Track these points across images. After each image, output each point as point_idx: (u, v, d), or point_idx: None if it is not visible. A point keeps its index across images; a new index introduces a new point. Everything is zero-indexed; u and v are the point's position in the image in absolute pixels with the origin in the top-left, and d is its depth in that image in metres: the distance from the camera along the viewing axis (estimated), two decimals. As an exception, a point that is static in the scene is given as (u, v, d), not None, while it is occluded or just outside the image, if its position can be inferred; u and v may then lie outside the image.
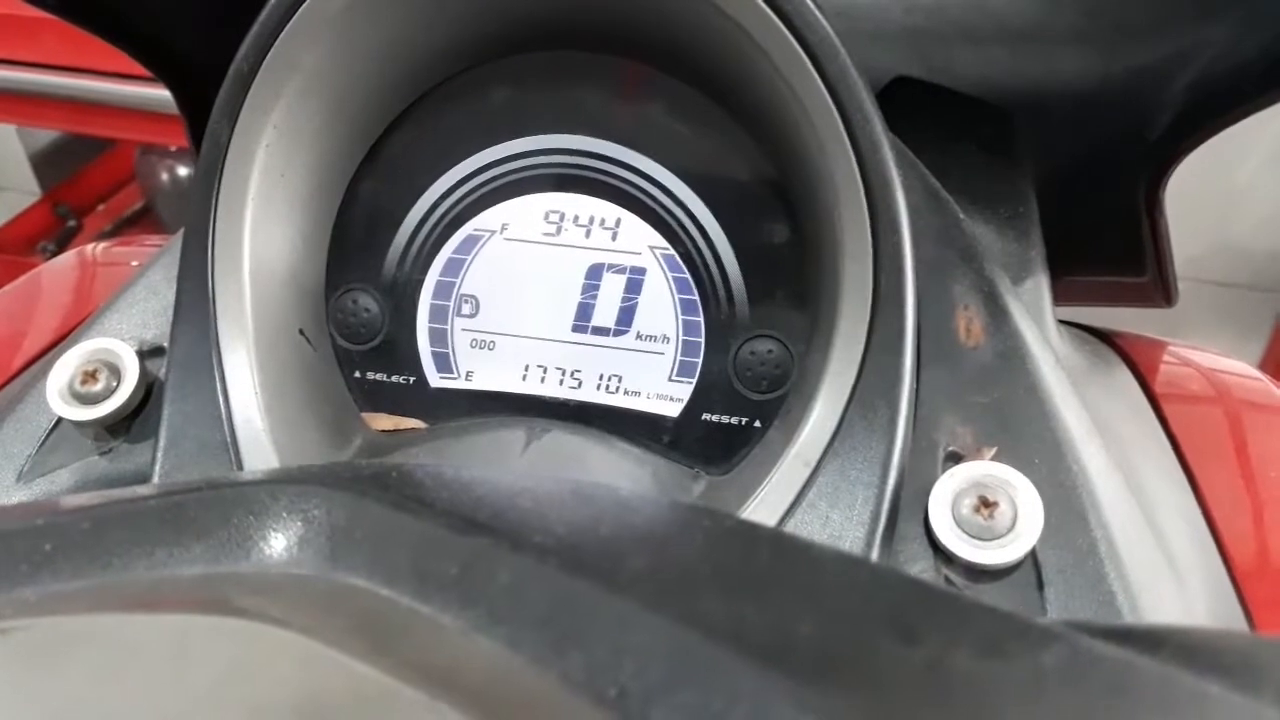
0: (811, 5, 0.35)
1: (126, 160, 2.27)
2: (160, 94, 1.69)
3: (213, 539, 0.23)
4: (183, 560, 0.23)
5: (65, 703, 0.18)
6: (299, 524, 0.23)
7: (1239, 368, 0.53)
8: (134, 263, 0.64)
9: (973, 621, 0.16)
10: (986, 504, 0.36)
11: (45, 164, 2.36)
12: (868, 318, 0.37)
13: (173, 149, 2.00)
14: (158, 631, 0.21)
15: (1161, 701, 0.14)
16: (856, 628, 0.16)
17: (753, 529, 0.22)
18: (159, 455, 0.39)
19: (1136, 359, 0.50)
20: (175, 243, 0.46)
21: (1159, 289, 0.53)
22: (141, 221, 2.25)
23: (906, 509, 0.37)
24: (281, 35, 0.38)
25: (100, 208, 2.32)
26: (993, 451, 0.38)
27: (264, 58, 0.38)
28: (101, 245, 0.75)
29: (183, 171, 2.02)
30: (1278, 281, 2.10)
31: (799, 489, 0.37)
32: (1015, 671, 0.15)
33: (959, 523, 0.36)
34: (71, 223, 2.26)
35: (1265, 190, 2.04)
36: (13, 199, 2.34)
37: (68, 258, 0.72)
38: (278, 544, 0.23)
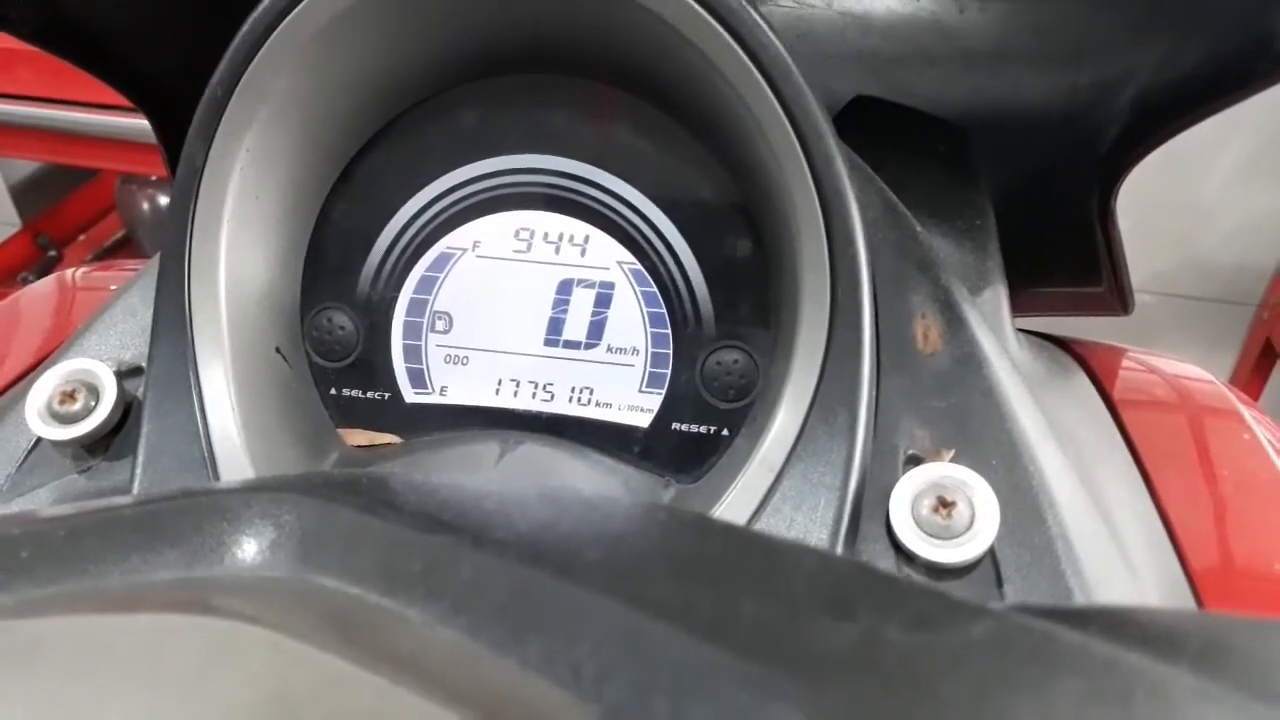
0: (766, 28, 0.37)
1: (106, 190, 2.27)
2: (139, 124, 1.70)
3: (187, 545, 0.24)
4: (157, 565, 0.24)
5: (41, 702, 0.19)
6: (270, 529, 0.24)
7: (1194, 372, 0.54)
8: (112, 286, 0.65)
9: (906, 599, 0.18)
10: (945, 504, 0.37)
11: (25, 195, 2.35)
12: (826, 327, 0.38)
13: (153, 178, 2.01)
14: (132, 631, 0.21)
15: (1079, 666, 0.15)
16: (796, 607, 0.17)
17: (708, 522, 0.23)
18: (138, 471, 0.40)
19: (1094, 365, 0.52)
20: (152, 266, 0.47)
21: (1116, 297, 0.54)
22: (122, 251, 2.26)
23: (868, 511, 0.38)
24: (254, 62, 0.39)
25: (81, 238, 2.32)
26: (951, 454, 0.39)
27: (237, 83, 0.39)
28: (80, 270, 0.75)
29: (163, 200, 2.02)
30: (1247, 294, 2.13)
31: (764, 493, 0.38)
32: (943, 642, 0.16)
33: (919, 523, 0.37)
34: (52, 253, 2.26)
35: (1232, 204, 2.07)
36: (-8, 230, 2.34)
37: (47, 283, 0.72)
38: (250, 548, 0.24)
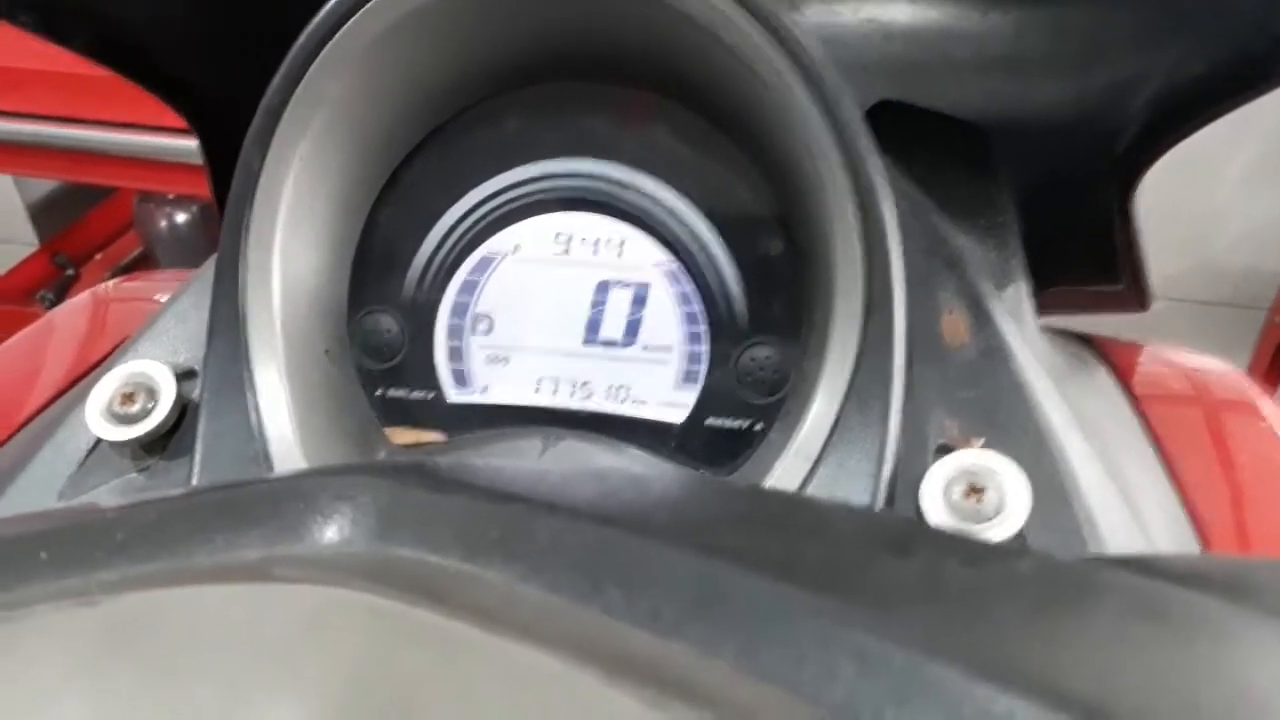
0: (803, 34, 0.38)
1: (123, 209, 2.30)
2: (157, 142, 1.72)
3: (268, 525, 0.26)
4: (240, 546, 0.25)
5: (155, 663, 0.20)
6: (347, 508, 0.26)
7: (1214, 365, 0.56)
8: (156, 296, 0.67)
9: (957, 543, 0.19)
10: (975, 489, 0.38)
11: (42, 215, 2.38)
12: (860, 321, 0.40)
13: (170, 196, 2.04)
14: (230, 598, 0.23)
15: (1118, 592, 0.16)
16: (857, 550, 0.19)
17: (761, 489, 0.25)
18: (196, 469, 0.42)
19: (1115, 359, 0.53)
20: (203, 273, 0.49)
21: (1134, 294, 0.56)
22: (139, 268, 2.28)
23: (901, 498, 0.40)
24: (309, 71, 0.41)
25: (98, 256, 2.34)
26: (980, 442, 0.40)
27: (294, 91, 0.41)
28: (112, 283, 0.77)
29: (180, 218, 2.05)
30: (1257, 298, 2.13)
31: (800, 482, 0.40)
32: (995, 574, 0.17)
33: (950, 508, 0.38)
34: (70, 271, 2.28)
35: (1241, 209, 2.08)
36: (11, 250, 2.36)
37: (81, 299, 0.74)
38: (328, 527, 0.26)
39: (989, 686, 0.14)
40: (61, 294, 2.19)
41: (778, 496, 0.24)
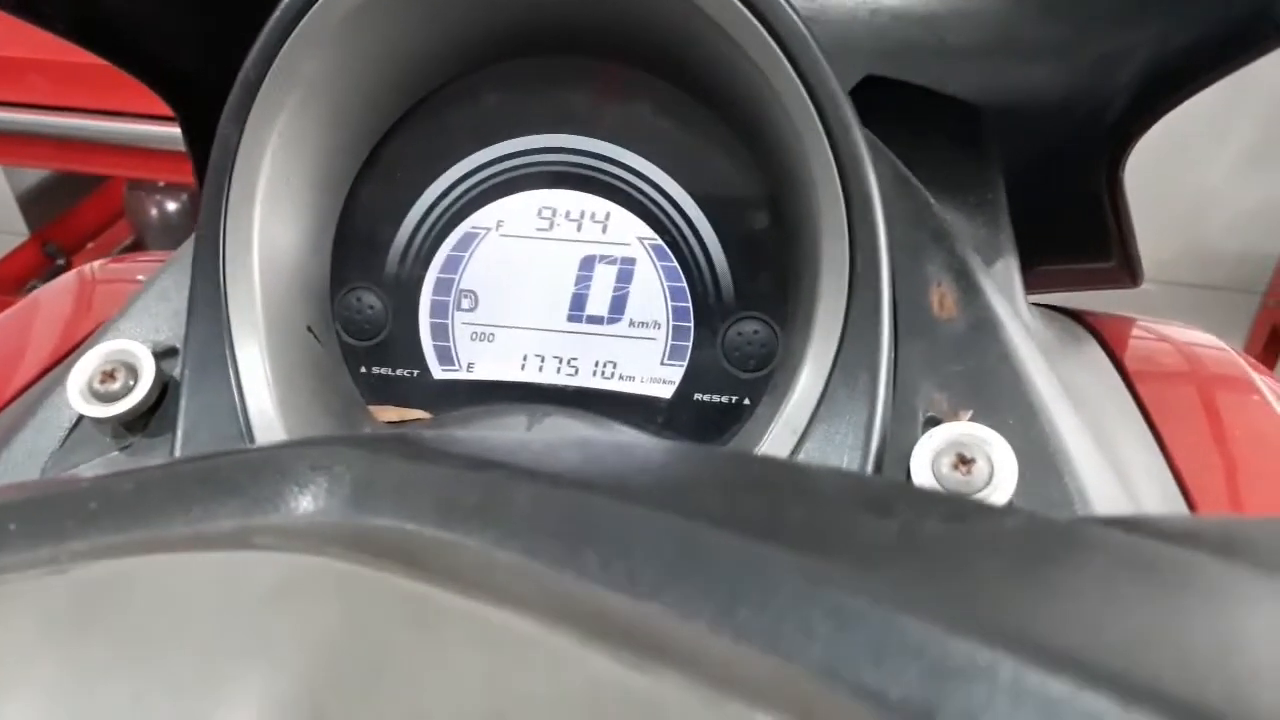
0: (786, 8, 0.38)
1: (113, 198, 2.29)
2: (147, 130, 1.71)
3: (244, 496, 0.25)
4: (218, 515, 0.25)
5: (127, 630, 0.20)
6: (323, 478, 0.25)
7: (1204, 339, 0.55)
8: (139, 277, 0.66)
9: (940, 501, 0.19)
10: (964, 461, 0.38)
11: (32, 204, 2.37)
12: (846, 293, 0.40)
13: (161, 184, 2.03)
14: (205, 564, 0.23)
15: (1105, 547, 0.16)
16: (840, 510, 0.19)
17: (744, 454, 0.24)
18: (178, 447, 0.41)
19: (1106, 334, 0.53)
20: (183, 252, 0.48)
21: (1125, 270, 0.56)
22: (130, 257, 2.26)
23: (889, 471, 0.39)
24: (285, 45, 0.40)
25: (89, 245, 2.33)
26: (969, 415, 0.40)
27: (269, 66, 0.40)
28: (98, 263, 0.77)
29: (171, 206, 2.04)
30: (1251, 282, 2.14)
31: (788, 455, 0.39)
32: (978, 530, 0.17)
33: (939, 480, 0.38)
34: (60, 261, 2.27)
35: (1234, 192, 2.08)
36: (1, 240, 2.35)
37: (67, 278, 0.74)
38: (304, 496, 0.25)
39: (970, 640, 0.14)
40: (52, 284, 2.17)
41: (763, 461, 0.23)
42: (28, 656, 0.20)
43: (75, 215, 2.36)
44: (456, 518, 0.22)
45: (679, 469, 0.23)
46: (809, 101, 0.38)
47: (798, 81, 0.38)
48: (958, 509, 0.19)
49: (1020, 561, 0.16)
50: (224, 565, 0.23)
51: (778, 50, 0.38)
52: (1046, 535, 0.17)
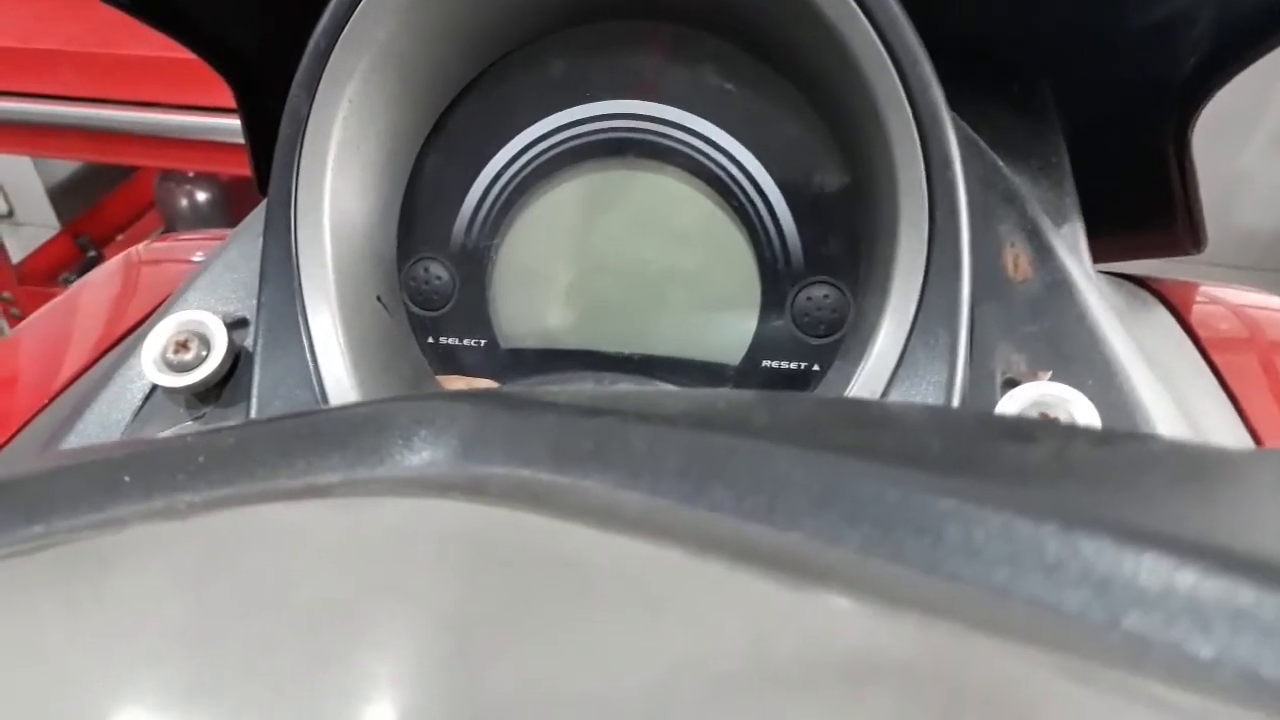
0: None
1: (143, 189, 2.30)
2: (178, 120, 1.71)
3: (348, 450, 0.25)
4: (321, 469, 0.25)
5: (252, 575, 0.20)
6: (427, 431, 0.25)
7: (1272, 301, 0.55)
8: (197, 256, 0.66)
9: (1080, 430, 0.18)
10: (1047, 418, 0.37)
11: (63, 197, 2.39)
12: (925, 251, 0.39)
13: (191, 174, 2.04)
14: (318, 513, 0.22)
15: (1260, 464, 0.16)
16: (979, 440, 0.18)
17: (857, 399, 0.24)
18: (253, 414, 0.41)
19: (1172, 299, 0.52)
20: (249, 223, 0.48)
21: (1189, 235, 0.55)
22: (161, 248, 2.28)
23: None
24: (356, 11, 0.40)
25: (120, 237, 2.35)
26: (1048, 375, 0.40)
27: (340, 33, 0.40)
28: (142, 245, 0.77)
29: (201, 196, 2.05)
30: (1286, 261, 2.11)
31: (867, 417, 0.39)
32: (1129, 452, 0.17)
33: (1022, 439, 0.37)
34: (92, 253, 2.29)
35: (1269, 172, 2.06)
36: (33, 233, 2.37)
37: (114, 263, 0.74)
38: (409, 450, 0.25)
39: (1149, 553, 0.14)
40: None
41: (880, 404, 0.23)
42: (158, 601, 0.20)
43: (106, 207, 2.37)
44: (574, 461, 0.22)
45: (796, 408, 0.23)
46: (887, 58, 0.38)
47: (875, 37, 0.38)
48: (1101, 435, 0.18)
49: (1179, 477, 0.16)
50: (341, 509, 0.23)
51: (854, 6, 0.38)
52: (1197, 456, 0.17)
